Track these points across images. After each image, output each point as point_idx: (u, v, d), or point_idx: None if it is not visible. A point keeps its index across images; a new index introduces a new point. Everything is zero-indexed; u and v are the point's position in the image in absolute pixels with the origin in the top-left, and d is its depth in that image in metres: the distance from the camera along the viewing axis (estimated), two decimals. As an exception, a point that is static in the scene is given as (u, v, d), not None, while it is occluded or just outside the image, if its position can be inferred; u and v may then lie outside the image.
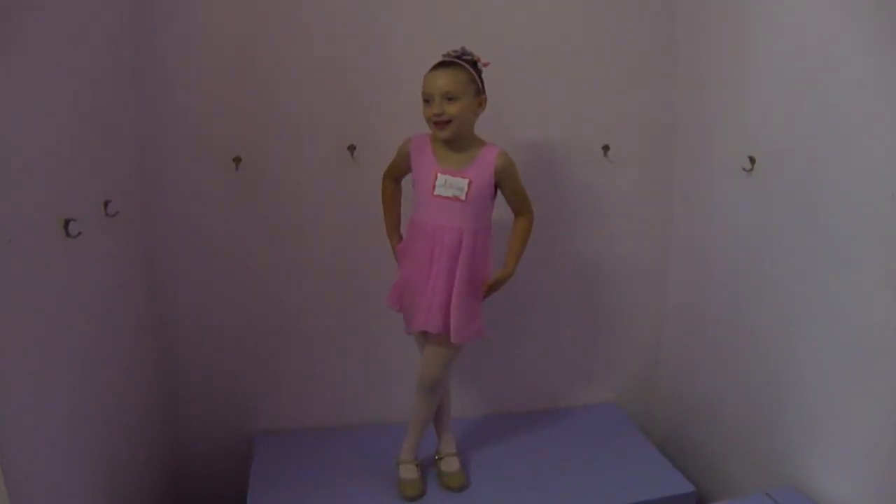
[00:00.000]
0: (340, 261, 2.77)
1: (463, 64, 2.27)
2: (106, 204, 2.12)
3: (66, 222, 1.81)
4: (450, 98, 2.24)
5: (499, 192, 2.38)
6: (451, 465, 2.58)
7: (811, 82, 2.15)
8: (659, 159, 2.93)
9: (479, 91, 2.30)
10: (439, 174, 2.31)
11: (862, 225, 1.96)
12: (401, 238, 2.51)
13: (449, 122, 2.26)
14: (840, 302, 2.07)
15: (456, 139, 2.30)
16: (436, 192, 2.31)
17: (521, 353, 2.99)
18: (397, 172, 2.48)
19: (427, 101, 2.28)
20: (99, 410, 2.08)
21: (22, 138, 1.65)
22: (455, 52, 2.29)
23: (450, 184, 2.30)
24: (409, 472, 2.53)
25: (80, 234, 1.85)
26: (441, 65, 2.28)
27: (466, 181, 2.29)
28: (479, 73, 2.31)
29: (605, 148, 2.86)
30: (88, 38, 2.10)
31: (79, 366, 1.95)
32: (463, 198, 2.30)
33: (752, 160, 2.42)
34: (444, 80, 2.24)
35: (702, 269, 2.81)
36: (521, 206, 2.42)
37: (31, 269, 1.67)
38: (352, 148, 2.66)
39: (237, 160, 2.59)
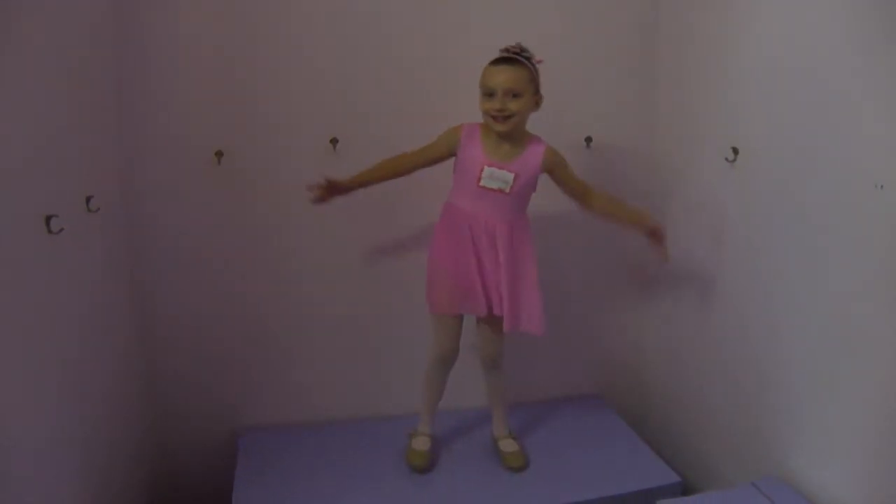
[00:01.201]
0: (324, 255, 2.75)
1: (524, 61, 2.30)
2: (88, 199, 2.10)
3: (48, 218, 1.79)
4: (513, 94, 2.28)
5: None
6: (509, 445, 2.66)
7: (795, 73, 2.15)
8: (642, 150, 2.93)
9: (537, 90, 2.35)
10: (486, 167, 2.34)
11: (846, 216, 1.97)
12: (360, 184, 2.47)
13: (509, 117, 2.29)
14: (825, 293, 2.08)
15: (510, 134, 2.33)
16: (481, 184, 2.34)
17: (507, 346, 2.98)
18: (426, 159, 2.44)
19: (489, 94, 2.29)
20: (82, 408, 2.05)
21: (2, 133, 1.62)
22: (514, 48, 2.31)
23: (496, 176, 2.34)
24: (421, 443, 2.63)
25: (61, 230, 1.82)
26: (504, 60, 2.30)
27: (513, 175, 2.34)
28: (537, 71, 2.33)
29: (588, 140, 2.86)
30: (68, 33, 2.07)
31: (61, 363, 1.92)
32: (507, 191, 2.34)
33: (735, 151, 2.43)
34: (508, 76, 2.27)
35: (686, 260, 2.82)
36: (584, 190, 2.50)
37: (13, 265, 1.65)
38: (334, 141, 2.65)
39: (219, 154, 2.56)
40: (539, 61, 2.34)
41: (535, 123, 2.68)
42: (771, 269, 2.31)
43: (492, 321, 2.49)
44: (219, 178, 2.60)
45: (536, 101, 2.36)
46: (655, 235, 2.48)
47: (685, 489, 2.60)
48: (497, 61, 2.31)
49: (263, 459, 2.64)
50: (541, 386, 3.09)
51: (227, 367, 2.79)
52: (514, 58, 2.29)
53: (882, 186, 1.82)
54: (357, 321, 2.85)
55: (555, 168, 2.42)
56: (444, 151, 2.43)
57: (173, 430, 2.79)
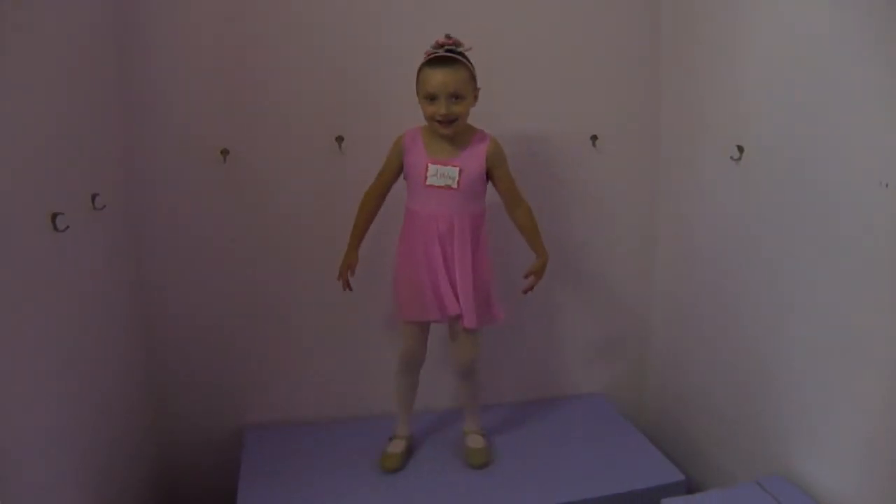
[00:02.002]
0: (329, 253, 2.74)
1: (464, 60, 2.27)
2: (93, 197, 2.10)
3: (54, 216, 1.79)
4: (456, 97, 2.26)
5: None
6: (476, 441, 2.65)
7: (799, 70, 2.15)
8: (647, 149, 2.94)
9: (476, 85, 2.33)
10: (430, 165, 2.33)
11: (851, 214, 1.97)
12: (360, 241, 2.54)
13: (454, 120, 2.28)
14: (829, 291, 2.07)
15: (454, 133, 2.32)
16: (428, 182, 2.33)
17: (509, 344, 2.99)
18: (388, 181, 2.47)
19: (430, 98, 2.27)
20: (85, 405, 2.06)
21: (8, 131, 1.62)
22: (447, 42, 2.28)
23: (441, 173, 2.32)
24: (395, 446, 2.63)
25: (67, 227, 1.83)
26: (442, 61, 2.26)
27: (457, 170, 2.32)
28: (473, 66, 2.31)
29: (594, 138, 2.86)
30: (74, 31, 2.08)
31: (67, 360, 1.93)
32: (455, 186, 2.32)
33: (740, 149, 2.42)
34: (449, 79, 2.24)
35: (690, 258, 2.82)
36: (515, 193, 2.45)
37: (19, 263, 1.65)
38: (340, 139, 2.65)
39: (225, 153, 2.57)
40: (469, 49, 2.31)
41: (541, 124, 2.69)
42: (775, 268, 2.31)
43: (455, 327, 2.49)
44: (224, 176, 2.60)
45: (475, 95, 2.33)
46: (533, 273, 2.51)
47: (689, 487, 2.60)
48: (434, 62, 2.26)
49: (268, 457, 2.64)
50: (543, 384, 3.09)
51: (231, 364, 2.80)
52: (452, 57, 2.26)
53: (887, 185, 1.81)
54: (363, 318, 2.85)
55: (494, 164, 2.38)
56: (395, 165, 2.44)
57: (178, 428, 2.80)
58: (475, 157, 2.35)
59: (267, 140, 2.62)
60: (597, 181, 2.90)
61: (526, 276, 2.51)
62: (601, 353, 3.17)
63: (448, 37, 2.29)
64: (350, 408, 2.93)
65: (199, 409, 2.81)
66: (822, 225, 2.08)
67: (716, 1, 2.56)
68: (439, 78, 2.24)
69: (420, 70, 2.30)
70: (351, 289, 2.52)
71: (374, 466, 2.59)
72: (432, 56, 2.27)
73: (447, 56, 2.26)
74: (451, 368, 2.67)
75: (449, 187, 2.33)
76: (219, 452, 2.82)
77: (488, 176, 2.40)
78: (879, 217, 1.86)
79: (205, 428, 2.83)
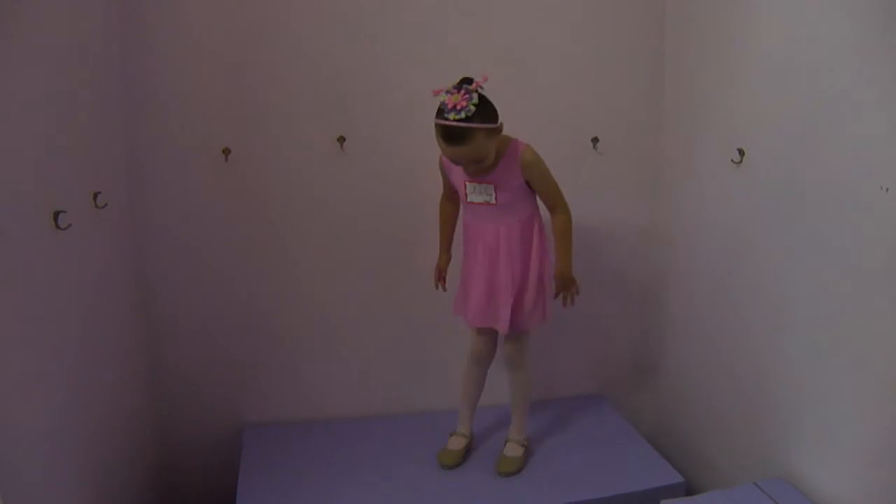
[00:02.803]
0: (331, 252, 2.76)
1: (474, 126, 2.15)
2: (95, 196, 2.11)
3: (56, 214, 1.80)
4: (476, 161, 2.23)
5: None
6: (512, 450, 2.65)
7: (801, 75, 2.15)
8: (648, 151, 2.94)
9: (493, 128, 2.21)
10: (467, 183, 2.36)
11: (851, 218, 1.97)
12: (450, 257, 2.64)
13: (479, 167, 2.27)
14: (829, 294, 2.08)
15: None
16: (469, 200, 2.38)
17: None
18: (448, 191, 2.53)
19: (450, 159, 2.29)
20: (86, 403, 2.06)
21: (10, 129, 1.63)
22: (456, 107, 2.13)
23: (478, 190, 2.35)
24: (456, 443, 2.67)
25: (69, 226, 1.83)
26: (452, 137, 2.16)
27: (492, 186, 2.33)
28: (489, 115, 2.19)
29: (595, 140, 2.86)
30: (77, 30, 2.09)
31: (67, 358, 1.93)
32: (493, 202, 2.34)
33: (741, 152, 2.43)
34: (463, 153, 2.19)
35: (690, 261, 2.82)
36: (553, 202, 2.42)
37: (21, 261, 1.66)
38: (341, 139, 2.65)
39: (226, 152, 2.57)
40: (485, 79, 2.19)
41: (542, 125, 2.68)
42: (775, 270, 2.31)
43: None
44: (226, 175, 2.61)
45: (499, 129, 2.24)
46: (561, 283, 2.50)
47: (688, 489, 2.60)
48: (447, 139, 2.17)
49: (268, 455, 2.65)
50: (544, 385, 3.08)
51: (232, 363, 2.80)
52: (463, 131, 2.14)
53: (887, 189, 1.81)
54: (363, 319, 2.86)
55: (531, 172, 2.33)
56: (445, 181, 2.50)
57: (178, 425, 2.80)
58: (510, 170, 2.31)
59: (269, 140, 2.62)
60: (597, 183, 2.90)
61: (556, 297, 2.54)
62: (601, 355, 3.17)
63: (459, 87, 2.17)
64: (349, 407, 2.93)
65: (199, 408, 2.81)
66: (823, 229, 2.08)
67: (718, 4, 2.56)
68: (452, 153, 2.22)
69: (438, 140, 2.22)
70: (445, 289, 2.64)
71: (374, 465, 2.60)
72: (442, 125, 2.17)
73: (457, 130, 2.15)
74: (503, 362, 2.67)
75: (488, 202, 2.35)
76: (218, 451, 2.83)
77: (532, 188, 2.39)
78: (880, 221, 1.86)
79: (205, 426, 2.83)
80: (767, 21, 2.31)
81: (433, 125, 2.20)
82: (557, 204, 2.42)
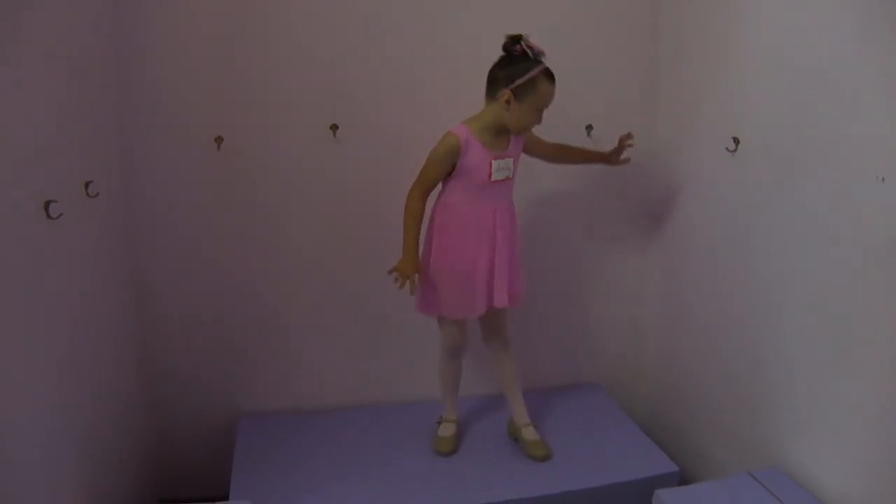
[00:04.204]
0: (323, 241, 2.75)
1: None
2: (87, 185, 2.10)
3: (47, 203, 1.79)
4: None
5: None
6: (532, 434, 2.66)
7: (796, 63, 2.14)
8: (643, 139, 2.92)
9: None
10: (494, 161, 2.37)
11: (847, 207, 1.96)
12: (417, 245, 2.43)
13: None
14: (824, 284, 2.07)
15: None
16: (493, 178, 2.38)
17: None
18: (436, 182, 2.42)
19: (539, 110, 2.35)
20: (79, 394, 2.06)
21: (1, 119, 1.62)
22: (541, 50, 2.34)
23: (502, 166, 2.39)
24: (447, 429, 2.69)
25: (61, 215, 1.82)
26: (551, 77, 2.34)
27: (511, 160, 2.42)
28: None
29: (589, 128, 2.86)
30: (68, 18, 2.07)
31: (60, 348, 1.92)
32: (512, 176, 2.43)
33: (736, 141, 2.42)
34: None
35: (686, 250, 2.82)
36: (554, 146, 2.64)
37: (12, 251, 1.65)
38: (334, 127, 2.64)
39: (219, 140, 2.56)
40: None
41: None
42: (769, 259, 2.31)
43: (496, 310, 2.53)
44: (219, 164, 2.59)
45: None
46: (618, 149, 2.65)
47: (682, 479, 2.61)
48: (550, 76, 2.33)
49: (261, 445, 2.64)
50: (540, 374, 3.09)
51: (225, 353, 2.79)
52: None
53: (883, 179, 1.81)
54: (355, 309, 2.85)
55: (531, 144, 2.52)
56: (448, 167, 2.39)
57: (171, 416, 2.80)
58: (518, 145, 2.45)
59: (261, 128, 2.61)
60: (591, 171, 2.89)
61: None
62: (598, 344, 3.17)
63: (533, 44, 2.34)
64: (343, 397, 2.93)
65: (192, 398, 2.80)
66: (818, 217, 2.08)
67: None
68: (553, 93, 2.34)
69: (537, 80, 2.31)
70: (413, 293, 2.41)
71: (367, 455, 2.60)
72: (546, 70, 2.33)
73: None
74: (488, 345, 2.67)
75: (507, 178, 2.41)
76: (212, 441, 2.82)
77: (529, 153, 2.55)
78: (875, 211, 1.86)
79: (198, 416, 2.83)
80: (764, 8, 2.30)
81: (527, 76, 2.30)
82: (553, 143, 2.63)
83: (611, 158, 2.67)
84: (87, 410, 2.11)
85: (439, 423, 2.71)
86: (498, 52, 2.63)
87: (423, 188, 2.40)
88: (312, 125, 2.64)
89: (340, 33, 2.59)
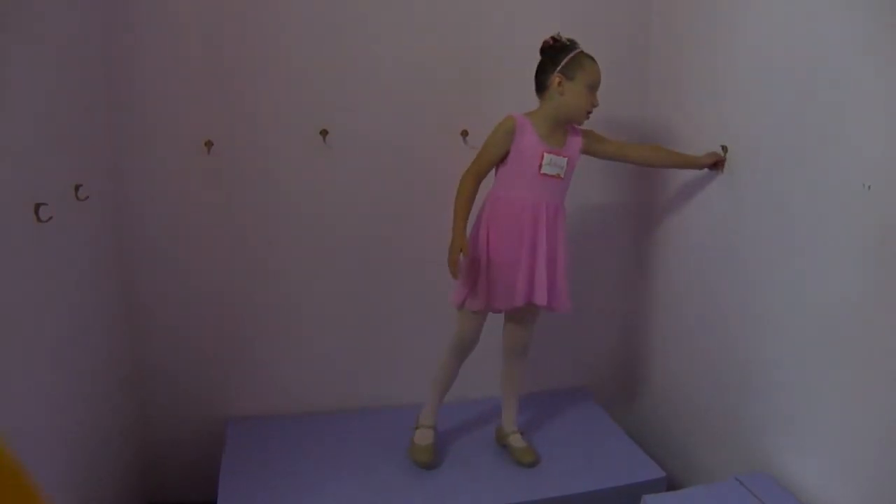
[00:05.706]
0: (312, 246, 2.75)
1: None
2: (77, 188, 2.09)
3: (37, 207, 1.78)
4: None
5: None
6: (519, 441, 2.65)
7: (785, 72, 2.16)
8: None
9: None
10: (546, 154, 2.36)
11: (834, 214, 1.98)
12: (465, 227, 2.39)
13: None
14: (812, 290, 2.09)
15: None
16: (542, 172, 2.36)
17: (495, 338, 2.99)
18: (492, 163, 2.41)
19: (592, 88, 2.36)
20: (68, 396, 2.05)
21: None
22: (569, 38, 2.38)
23: (554, 163, 2.37)
24: (425, 436, 2.62)
25: (50, 218, 1.82)
26: (593, 58, 2.36)
27: (566, 160, 2.39)
28: None
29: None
30: (58, 22, 2.06)
31: (50, 351, 1.92)
32: (563, 175, 2.40)
33: (724, 149, 2.44)
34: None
35: (675, 256, 2.83)
36: (620, 144, 2.60)
37: (1, 253, 1.64)
38: (324, 132, 2.64)
39: (208, 144, 2.56)
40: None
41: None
42: (759, 266, 2.32)
43: (525, 310, 2.51)
44: (208, 168, 2.59)
45: None
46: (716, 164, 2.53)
47: (670, 484, 2.62)
48: (589, 56, 2.36)
49: (250, 448, 2.64)
50: (528, 379, 3.08)
51: (214, 356, 2.79)
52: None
53: (869, 187, 1.83)
54: (344, 313, 2.85)
55: (590, 143, 2.48)
56: (504, 149, 2.38)
57: (160, 419, 2.79)
58: (575, 147, 2.43)
59: (251, 132, 2.61)
60: (582, 179, 2.89)
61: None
62: (585, 349, 3.18)
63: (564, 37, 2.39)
64: (332, 401, 2.93)
65: (182, 401, 2.80)
66: (806, 225, 2.10)
67: (702, 3, 2.57)
68: (600, 73, 2.36)
69: (581, 57, 2.35)
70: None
71: (355, 459, 2.60)
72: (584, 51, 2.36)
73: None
74: (507, 349, 2.67)
75: (558, 176, 2.39)
76: (201, 444, 2.82)
77: (591, 154, 2.51)
78: (862, 218, 1.88)
79: (188, 419, 2.82)
80: (753, 18, 2.32)
81: (571, 59, 2.34)
82: (620, 142, 2.61)
83: (703, 162, 2.55)
84: (76, 414, 2.10)
85: (416, 428, 2.65)
86: (487, 67, 2.65)
87: (477, 171, 2.40)
88: (302, 130, 2.64)
89: (330, 39, 2.59)
